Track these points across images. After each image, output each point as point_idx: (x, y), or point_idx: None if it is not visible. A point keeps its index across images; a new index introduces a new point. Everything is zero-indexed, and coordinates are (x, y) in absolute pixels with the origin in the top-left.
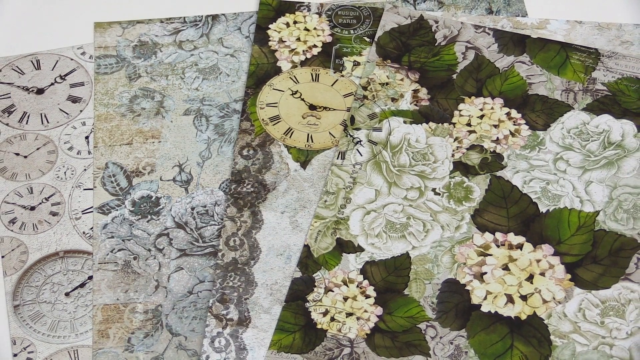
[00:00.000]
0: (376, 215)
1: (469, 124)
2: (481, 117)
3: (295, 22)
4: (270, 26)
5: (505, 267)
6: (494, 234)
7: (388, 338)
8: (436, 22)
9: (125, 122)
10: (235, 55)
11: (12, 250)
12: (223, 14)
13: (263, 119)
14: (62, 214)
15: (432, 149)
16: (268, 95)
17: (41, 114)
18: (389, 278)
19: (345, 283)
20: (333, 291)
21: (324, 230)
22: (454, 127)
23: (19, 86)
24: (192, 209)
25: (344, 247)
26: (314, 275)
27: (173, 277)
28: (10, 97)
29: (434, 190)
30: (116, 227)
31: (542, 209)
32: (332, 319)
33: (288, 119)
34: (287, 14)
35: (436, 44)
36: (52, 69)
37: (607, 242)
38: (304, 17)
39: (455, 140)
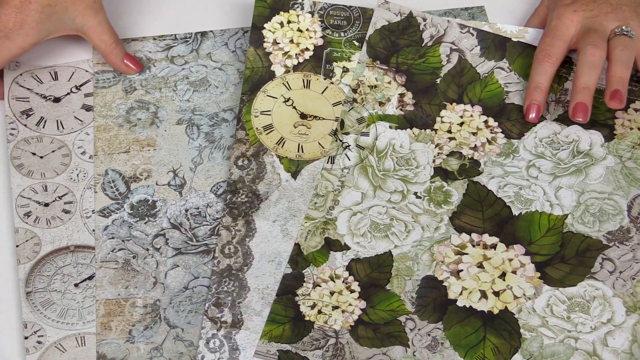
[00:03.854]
0: (362, 216)
1: (449, 131)
2: (461, 124)
3: (289, 22)
4: (265, 25)
5: (480, 265)
6: (470, 235)
7: (370, 329)
8: (424, 19)
9: (123, 132)
10: (223, 68)
11: (26, 240)
12: (211, 31)
13: (257, 128)
14: (73, 212)
15: (415, 154)
16: (262, 102)
17: (57, 121)
18: (373, 274)
19: (332, 279)
20: (320, 286)
21: (313, 230)
22: (436, 133)
23: (37, 93)
24: (186, 210)
25: (332, 245)
26: (303, 272)
27: (170, 274)
28: (29, 102)
29: (415, 193)
30: (116, 228)
31: (515, 212)
32: (320, 312)
33: (281, 128)
34: (282, 12)
35: (423, 45)
36: (69, 80)
37: (575, 243)
38: (297, 16)
39: (436, 146)
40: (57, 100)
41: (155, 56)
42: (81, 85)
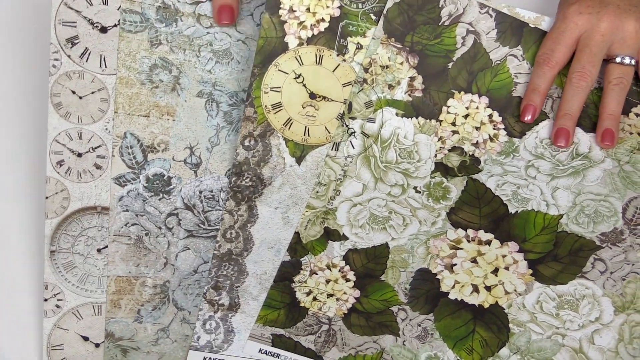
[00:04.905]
0: (362, 208)
1: (454, 123)
2: (466, 116)
3: None
4: None
5: (474, 260)
6: (466, 231)
7: (363, 318)
8: None
9: (144, 92)
10: (246, 42)
11: (56, 193)
12: None
13: (266, 106)
14: (104, 169)
15: (418, 147)
16: (273, 77)
17: (101, 55)
18: (369, 265)
19: (328, 267)
20: (317, 274)
21: (313, 219)
22: (440, 125)
23: (85, 17)
24: (200, 192)
25: (330, 235)
26: (301, 259)
27: (180, 256)
28: (76, 27)
29: (415, 188)
30: (131, 201)
31: (512, 210)
32: (314, 299)
33: (289, 107)
34: None
35: (440, 23)
36: (118, 8)
37: (568, 243)
38: None
39: (439, 140)
40: (104, 30)
41: (184, 8)
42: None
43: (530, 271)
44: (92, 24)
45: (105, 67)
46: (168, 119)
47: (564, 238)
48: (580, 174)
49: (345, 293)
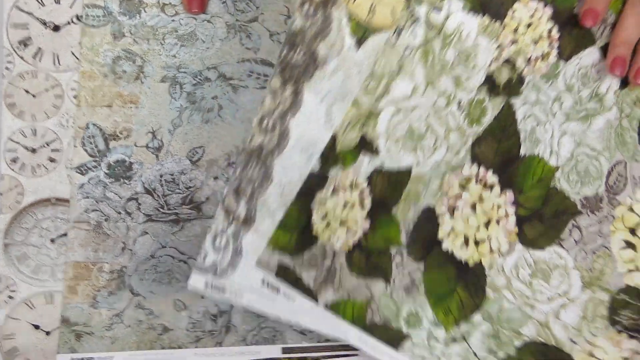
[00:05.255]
0: (403, 118)
1: (515, 30)
2: (528, 25)
3: None
4: None
5: (473, 207)
6: (479, 168)
7: (364, 257)
8: None
9: (107, 84)
10: (211, 20)
11: (10, 189)
12: None
13: None
14: (59, 162)
15: (477, 50)
16: None
17: (54, 54)
18: (387, 190)
19: (351, 186)
20: (338, 194)
21: (355, 122)
22: (503, 30)
23: (37, 18)
24: (161, 176)
25: (365, 146)
26: (328, 174)
27: (138, 241)
28: (28, 29)
29: (459, 102)
30: (92, 187)
31: (522, 152)
32: (327, 225)
33: None
34: None
35: None
36: (71, 7)
37: (555, 202)
38: None
39: (498, 47)
40: (56, 28)
41: None
42: (82, 17)
43: (516, 230)
44: (45, 23)
45: (59, 64)
46: (131, 107)
47: (553, 196)
48: (588, 121)
49: (356, 222)
